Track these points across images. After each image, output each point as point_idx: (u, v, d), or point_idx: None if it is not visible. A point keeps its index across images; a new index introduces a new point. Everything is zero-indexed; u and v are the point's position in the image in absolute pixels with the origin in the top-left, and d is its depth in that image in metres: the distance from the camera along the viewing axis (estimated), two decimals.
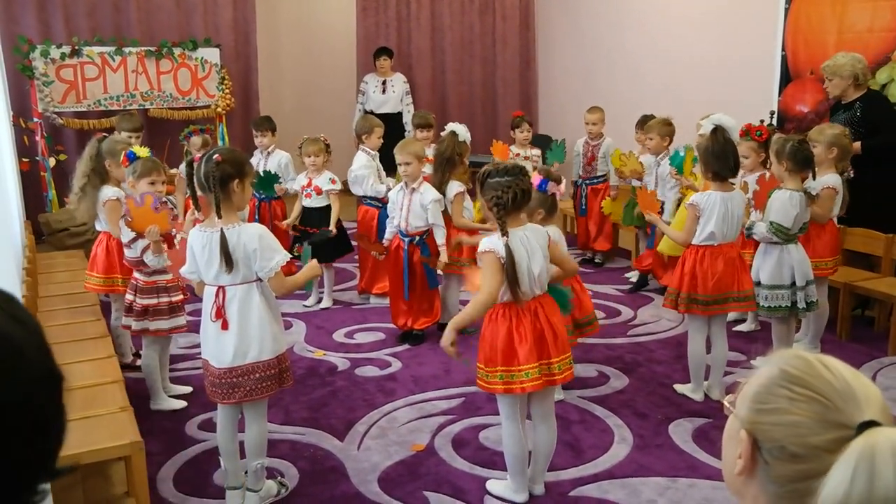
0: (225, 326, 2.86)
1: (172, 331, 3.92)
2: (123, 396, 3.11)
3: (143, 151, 3.87)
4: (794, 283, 4.10)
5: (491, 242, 2.88)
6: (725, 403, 1.16)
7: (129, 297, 3.85)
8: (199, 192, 2.95)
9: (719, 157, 3.79)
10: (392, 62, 8.37)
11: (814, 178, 4.20)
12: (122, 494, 3.18)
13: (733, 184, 3.94)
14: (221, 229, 2.81)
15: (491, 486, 3.21)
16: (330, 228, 5.30)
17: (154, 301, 3.81)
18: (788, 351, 1.10)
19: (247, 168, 2.92)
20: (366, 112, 8.06)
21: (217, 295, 2.87)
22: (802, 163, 4.05)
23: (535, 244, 2.93)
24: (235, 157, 2.90)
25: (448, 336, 2.89)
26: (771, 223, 4.03)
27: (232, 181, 2.83)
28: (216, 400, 2.99)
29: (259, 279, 2.89)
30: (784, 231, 4.03)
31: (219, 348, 2.88)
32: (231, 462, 3.07)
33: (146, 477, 2.81)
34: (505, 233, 2.86)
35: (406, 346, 4.79)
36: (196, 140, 5.56)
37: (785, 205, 4.02)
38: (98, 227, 4.34)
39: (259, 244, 2.82)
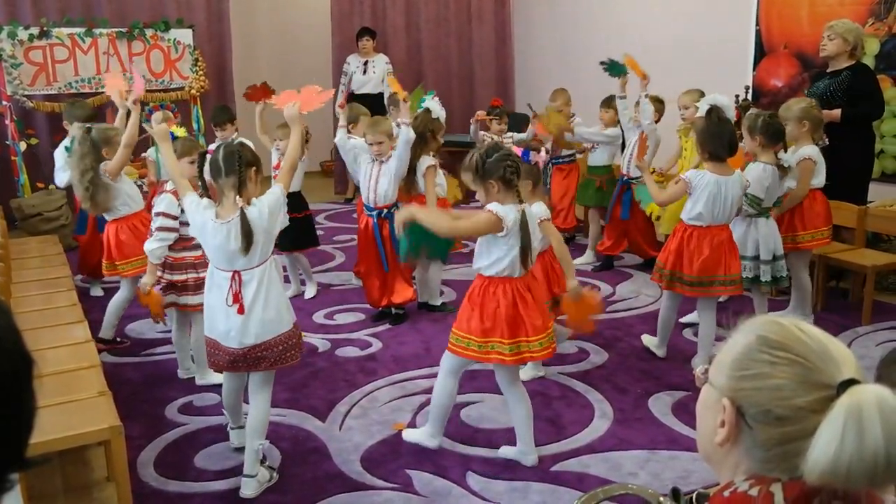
0: (241, 311, 2.88)
1: (200, 307, 3.88)
2: (101, 381, 3.08)
3: (180, 132, 3.86)
4: (757, 257, 4.20)
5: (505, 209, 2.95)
6: (697, 374, 1.17)
7: (158, 272, 3.81)
8: (209, 181, 2.97)
9: (715, 138, 3.79)
10: (374, 43, 8.29)
11: (785, 150, 4.26)
12: (102, 479, 3.18)
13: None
14: (241, 209, 2.83)
15: (406, 434, 3.40)
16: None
17: (182, 277, 3.81)
18: (761, 317, 1.12)
19: (261, 165, 3.01)
20: (349, 94, 7.99)
21: (233, 279, 2.89)
22: (774, 136, 4.12)
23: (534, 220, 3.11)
24: (253, 151, 3.04)
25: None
26: (746, 195, 4.07)
27: (251, 168, 2.90)
28: (237, 370, 3.05)
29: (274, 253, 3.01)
30: (758, 202, 4.12)
31: (238, 329, 2.90)
32: (235, 418, 3.30)
33: (126, 461, 2.78)
34: (522, 202, 3.00)
35: (387, 326, 4.79)
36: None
37: (760, 176, 4.10)
38: (109, 217, 4.26)
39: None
